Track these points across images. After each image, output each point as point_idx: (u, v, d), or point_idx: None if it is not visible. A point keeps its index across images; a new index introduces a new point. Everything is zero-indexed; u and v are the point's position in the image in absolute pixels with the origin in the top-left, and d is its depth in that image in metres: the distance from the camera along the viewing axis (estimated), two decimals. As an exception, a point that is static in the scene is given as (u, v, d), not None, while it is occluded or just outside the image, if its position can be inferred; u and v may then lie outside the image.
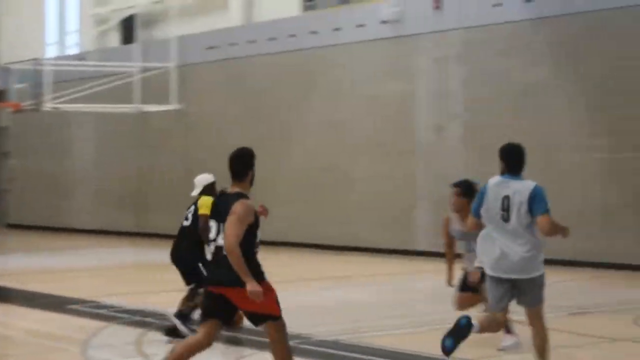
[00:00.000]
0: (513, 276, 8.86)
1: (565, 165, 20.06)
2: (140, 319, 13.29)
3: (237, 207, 8.18)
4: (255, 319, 8.34)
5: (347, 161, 24.62)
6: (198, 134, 28.39)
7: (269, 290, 8.23)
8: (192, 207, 12.12)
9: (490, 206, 8.95)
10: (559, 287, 16.65)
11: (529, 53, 20.90)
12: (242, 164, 8.50)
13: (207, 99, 28.32)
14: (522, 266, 8.83)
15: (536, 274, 8.89)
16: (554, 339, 9.38)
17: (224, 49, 27.79)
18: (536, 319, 8.99)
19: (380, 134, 23.87)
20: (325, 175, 25.04)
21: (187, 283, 11.93)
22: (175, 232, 12.30)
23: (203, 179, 12.31)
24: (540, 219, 8.75)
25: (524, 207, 8.80)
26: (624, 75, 19.47)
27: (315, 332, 12.08)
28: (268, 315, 8.26)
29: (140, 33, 31.07)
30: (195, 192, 12.21)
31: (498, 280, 8.97)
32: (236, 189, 8.43)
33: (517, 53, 21.21)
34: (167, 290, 14.70)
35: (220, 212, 8.37)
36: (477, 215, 9.10)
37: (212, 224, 8.46)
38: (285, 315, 8.29)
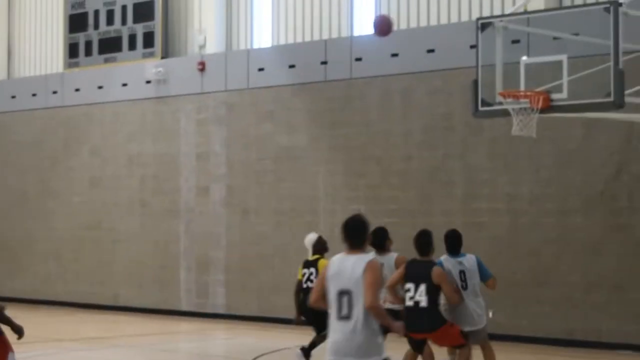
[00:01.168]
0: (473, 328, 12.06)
1: (324, 230, 20.49)
2: None
3: (441, 273, 11.51)
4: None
5: (111, 220, 24.51)
6: (-45, 189, 27.63)
7: (451, 327, 11.54)
8: (313, 270, 13.67)
9: (451, 279, 11.95)
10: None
11: (290, 118, 21.41)
12: (429, 242, 11.64)
13: (-35, 153, 27.65)
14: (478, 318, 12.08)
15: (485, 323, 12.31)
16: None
17: (-17, 103, 27.25)
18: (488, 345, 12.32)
19: (144, 194, 23.91)
20: (88, 234, 24.82)
21: (318, 332, 13.44)
22: None
23: (309, 240, 14.14)
24: (491, 281, 12.29)
25: (477, 277, 12.10)
26: (380, 143, 20.19)
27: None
28: (459, 345, 11.63)
29: None
30: (310, 254, 13.96)
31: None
32: (426, 259, 11.59)
33: (279, 117, 21.72)
34: None
35: (419, 276, 11.38)
36: None
37: (410, 285, 11.37)
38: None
